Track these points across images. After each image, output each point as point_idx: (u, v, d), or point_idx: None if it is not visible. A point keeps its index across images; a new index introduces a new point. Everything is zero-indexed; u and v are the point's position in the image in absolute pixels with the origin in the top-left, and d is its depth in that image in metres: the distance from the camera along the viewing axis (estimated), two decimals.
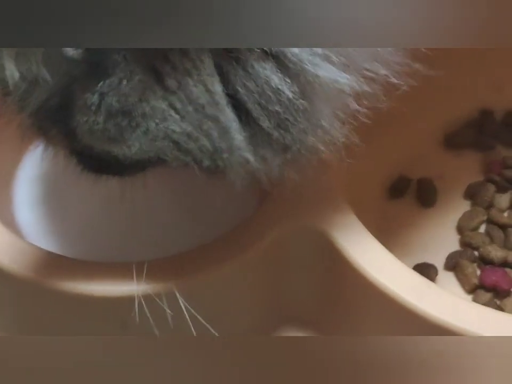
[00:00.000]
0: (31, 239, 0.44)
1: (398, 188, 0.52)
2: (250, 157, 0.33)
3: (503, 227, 0.50)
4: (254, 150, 0.33)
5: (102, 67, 0.31)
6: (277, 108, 0.32)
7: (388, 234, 0.50)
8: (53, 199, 0.46)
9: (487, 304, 0.46)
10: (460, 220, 0.50)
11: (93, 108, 0.32)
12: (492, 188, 0.51)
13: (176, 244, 0.41)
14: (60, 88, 0.32)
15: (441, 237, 0.50)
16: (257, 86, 0.32)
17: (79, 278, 0.39)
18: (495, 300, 0.47)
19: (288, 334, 0.44)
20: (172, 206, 0.41)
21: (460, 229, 0.50)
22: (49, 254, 0.40)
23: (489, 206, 0.51)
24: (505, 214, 0.50)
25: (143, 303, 0.37)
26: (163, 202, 0.41)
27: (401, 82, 0.35)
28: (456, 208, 0.51)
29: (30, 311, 0.42)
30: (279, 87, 0.32)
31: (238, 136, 0.32)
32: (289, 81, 0.32)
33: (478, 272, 0.48)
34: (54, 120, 0.33)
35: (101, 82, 0.31)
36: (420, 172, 0.53)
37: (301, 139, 0.33)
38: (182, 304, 0.38)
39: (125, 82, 0.31)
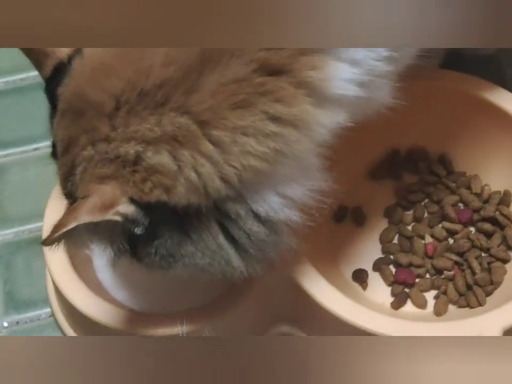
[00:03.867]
0: (110, 291, 0.71)
1: (339, 215, 0.78)
2: (244, 270, 0.59)
3: (409, 238, 0.76)
4: (246, 264, 0.59)
5: (155, 233, 0.57)
6: (258, 242, 0.58)
7: (336, 249, 0.77)
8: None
9: (400, 293, 0.73)
10: (381, 235, 0.77)
11: (152, 253, 0.58)
12: (399, 209, 0.77)
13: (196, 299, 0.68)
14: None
15: (369, 248, 0.76)
16: (245, 232, 0.58)
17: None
18: (405, 289, 0.74)
19: None
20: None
21: (382, 241, 0.77)
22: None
23: (399, 222, 0.77)
24: (409, 227, 0.77)
25: None
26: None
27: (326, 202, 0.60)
28: (379, 226, 0.77)
29: None
30: (257, 231, 0.58)
31: (236, 261, 0.58)
32: (263, 227, 0.58)
33: (394, 271, 0.75)
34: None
35: (156, 241, 0.57)
36: (353, 201, 0.78)
37: (272, 252, 0.59)
38: None
39: (169, 241, 0.57)
